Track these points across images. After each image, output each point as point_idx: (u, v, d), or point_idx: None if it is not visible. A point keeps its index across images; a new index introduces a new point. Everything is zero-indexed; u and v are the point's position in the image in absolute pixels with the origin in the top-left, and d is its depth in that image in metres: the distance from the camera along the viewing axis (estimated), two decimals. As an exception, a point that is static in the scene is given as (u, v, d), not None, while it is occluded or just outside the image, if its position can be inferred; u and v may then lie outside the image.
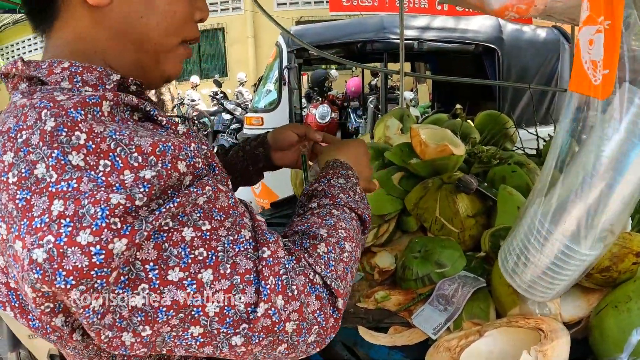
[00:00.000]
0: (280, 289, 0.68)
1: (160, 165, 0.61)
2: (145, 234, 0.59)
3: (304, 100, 7.89)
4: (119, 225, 0.57)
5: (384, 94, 5.35)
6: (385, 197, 1.66)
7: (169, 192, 0.62)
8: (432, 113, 5.30)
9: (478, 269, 1.36)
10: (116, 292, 0.60)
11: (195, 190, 0.64)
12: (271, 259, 0.68)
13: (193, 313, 0.63)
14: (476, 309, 1.20)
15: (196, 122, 10.81)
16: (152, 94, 12.40)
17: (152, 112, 0.72)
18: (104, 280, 0.58)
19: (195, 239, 0.63)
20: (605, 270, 1.07)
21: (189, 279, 0.62)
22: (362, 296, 1.40)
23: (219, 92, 10.74)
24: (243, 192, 5.08)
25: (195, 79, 12.92)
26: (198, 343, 0.66)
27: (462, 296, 1.20)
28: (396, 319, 1.29)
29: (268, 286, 0.67)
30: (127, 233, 0.57)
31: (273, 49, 5.25)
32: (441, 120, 2.49)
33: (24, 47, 21.88)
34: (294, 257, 0.73)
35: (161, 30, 0.80)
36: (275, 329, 0.68)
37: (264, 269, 0.67)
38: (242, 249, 0.67)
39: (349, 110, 8.11)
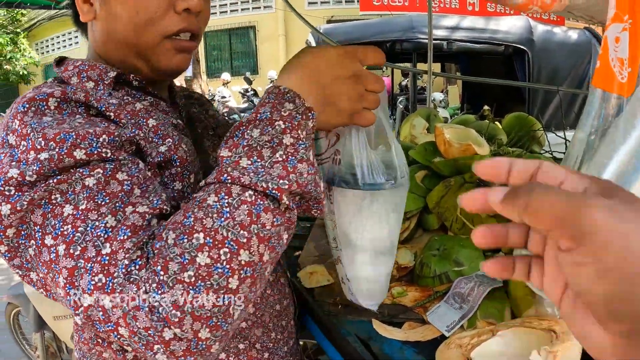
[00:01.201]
0: (108, 290, 0.64)
1: (56, 150, 0.69)
2: (25, 203, 0.69)
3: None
4: (12, 192, 0.69)
5: (414, 94, 5.33)
6: (408, 194, 1.65)
7: (63, 172, 0.70)
8: (461, 114, 5.26)
9: (496, 269, 1.34)
10: (20, 242, 0.72)
11: (81, 170, 0.70)
12: (107, 257, 0.65)
13: (55, 278, 0.69)
14: (491, 309, 1.19)
15: (226, 118, 10.92)
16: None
17: (100, 108, 0.81)
18: (2, 234, 0.71)
19: (70, 215, 0.68)
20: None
21: (53, 248, 0.68)
22: (379, 292, 1.40)
23: (249, 90, 10.82)
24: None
25: (226, 76, 13.07)
26: None
27: (478, 295, 1.20)
28: (411, 314, 1.29)
29: (93, 282, 0.65)
30: (13, 201, 0.69)
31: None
32: (468, 121, 2.48)
33: (58, 42, 22.41)
34: (139, 262, 0.66)
35: (132, 30, 0.89)
36: (107, 328, 0.66)
37: (95, 264, 0.65)
38: (96, 235, 0.67)
39: (378, 110, 8.07)
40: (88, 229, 0.67)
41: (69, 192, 0.69)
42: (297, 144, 0.73)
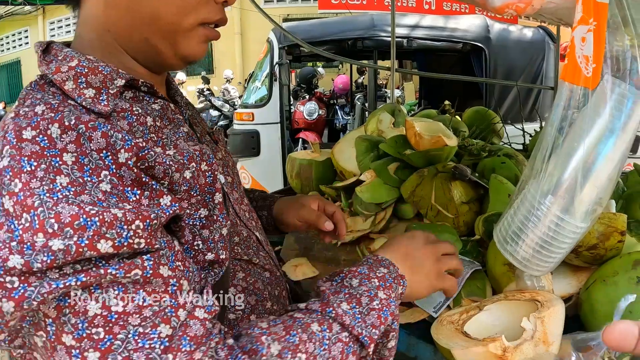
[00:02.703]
0: None
1: (74, 239, 0.56)
2: (35, 303, 0.56)
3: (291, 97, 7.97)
4: (15, 284, 0.56)
5: (373, 91, 5.43)
6: (382, 186, 1.72)
7: (79, 265, 0.58)
8: (419, 110, 5.39)
9: (473, 251, 1.43)
10: (23, 325, 0.61)
11: (113, 272, 0.58)
12: None
13: None
14: (473, 287, 1.27)
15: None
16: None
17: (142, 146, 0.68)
18: (2, 325, 0.59)
19: (99, 317, 0.58)
20: (593, 248, 1.16)
21: (77, 351, 0.58)
22: (363, 278, 1.46)
23: (205, 89, 10.74)
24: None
25: (181, 76, 12.92)
26: None
27: (461, 277, 1.27)
28: (397, 298, 1.35)
29: None
30: (17, 297, 0.56)
31: (262, 46, 5.32)
32: (431, 115, 2.57)
33: (7, 42, 21.74)
34: None
35: (173, 9, 0.78)
36: None
37: None
38: (147, 346, 0.59)
39: (336, 107, 8.17)
40: (130, 336, 0.58)
41: (94, 286, 0.58)
42: (390, 300, 0.80)
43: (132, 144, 0.66)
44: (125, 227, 0.59)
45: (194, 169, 0.75)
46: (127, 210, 0.60)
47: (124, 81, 0.75)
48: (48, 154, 0.60)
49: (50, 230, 0.56)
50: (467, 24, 4.94)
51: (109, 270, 0.58)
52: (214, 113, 9.88)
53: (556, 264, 1.07)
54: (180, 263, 0.67)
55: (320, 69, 9.80)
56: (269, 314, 0.95)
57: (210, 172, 0.79)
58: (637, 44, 0.96)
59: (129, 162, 0.65)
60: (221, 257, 0.77)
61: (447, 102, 3.09)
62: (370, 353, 0.76)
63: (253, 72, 5.80)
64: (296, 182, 2.20)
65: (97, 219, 0.57)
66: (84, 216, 0.57)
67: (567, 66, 1.00)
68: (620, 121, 0.95)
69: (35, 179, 0.58)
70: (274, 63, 4.75)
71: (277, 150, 4.86)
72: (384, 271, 0.85)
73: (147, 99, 0.82)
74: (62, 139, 0.61)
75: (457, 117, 2.57)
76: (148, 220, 0.61)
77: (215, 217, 0.78)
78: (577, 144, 0.96)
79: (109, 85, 0.73)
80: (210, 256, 0.75)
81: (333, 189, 1.99)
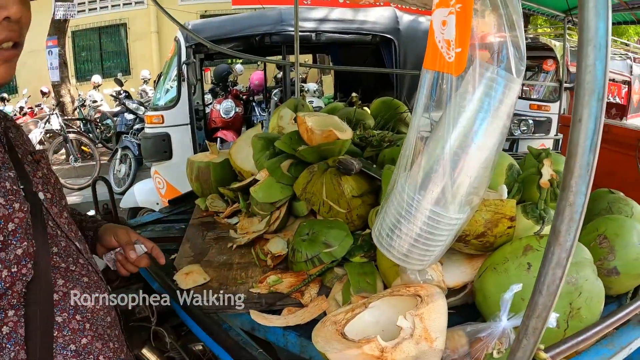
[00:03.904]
0: None
1: None
2: None
3: (209, 95, 7.80)
4: None
5: (287, 86, 5.38)
6: (275, 184, 1.68)
7: None
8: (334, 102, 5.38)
9: (365, 245, 1.40)
10: None
11: None
12: None
13: None
14: (363, 283, 1.24)
15: (99, 124, 10.42)
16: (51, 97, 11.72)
17: None
18: None
19: None
20: (481, 236, 1.14)
21: None
22: (255, 282, 1.41)
23: (121, 92, 10.38)
24: (149, 194, 4.96)
25: (97, 78, 12.43)
26: None
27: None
28: (288, 300, 1.31)
29: None
30: None
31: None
32: (337, 108, 2.55)
33: None
34: None
35: None
36: None
37: None
38: None
39: (254, 104, 8.09)
40: None
41: None
42: None
43: None
44: None
45: None
46: None
47: None
48: None
49: None
50: (376, 16, 4.95)
51: None
52: (129, 116, 9.56)
53: (438, 257, 1.04)
54: None
55: (238, 66, 9.65)
56: (90, 314, 1.05)
57: (9, 205, 0.88)
58: (507, 26, 0.93)
59: None
60: (22, 270, 0.90)
61: (354, 94, 3.09)
62: None
63: (161, 73, 5.62)
64: (196, 185, 2.13)
65: None
66: None
67: (429, 52, 0.96)
68: (491, 107, 0.93)
69: None
70: (182, 62, 4.60)
71: (189, 152, 4.68)
72: None
73: None
74: None
75: (365, 108, 2.56)
76: None
77: (9, 241, 0.88)
78: (446, 133, 0.93)
79: None
80: (5, 272, 0.87)
81: (231, 190, 1.92)
